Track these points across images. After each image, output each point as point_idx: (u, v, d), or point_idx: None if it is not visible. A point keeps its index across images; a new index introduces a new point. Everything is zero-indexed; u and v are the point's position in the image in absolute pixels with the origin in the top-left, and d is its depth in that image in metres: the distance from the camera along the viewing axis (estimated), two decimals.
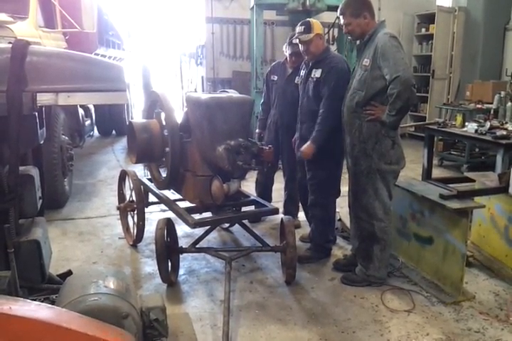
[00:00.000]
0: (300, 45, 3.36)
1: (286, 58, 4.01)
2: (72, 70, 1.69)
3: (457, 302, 2.93)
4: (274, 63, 4.35)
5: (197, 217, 3.13)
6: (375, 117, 2.89)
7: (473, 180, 3.66)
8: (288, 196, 4.23)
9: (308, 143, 3.27)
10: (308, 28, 3.29)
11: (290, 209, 4.22)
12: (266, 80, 4.31)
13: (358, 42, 3.09)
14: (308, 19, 3.46)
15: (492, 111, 5.87)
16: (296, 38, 3.33)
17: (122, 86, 1.91)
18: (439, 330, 2.65)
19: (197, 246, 3.25)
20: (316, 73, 3.30)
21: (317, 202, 3.49)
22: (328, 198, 3.51)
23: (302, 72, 3.52)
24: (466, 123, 4.55)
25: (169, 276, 3.10)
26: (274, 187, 4.47)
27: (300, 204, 4.03)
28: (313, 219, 3.60)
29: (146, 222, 3.76)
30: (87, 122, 6.12)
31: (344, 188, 3.48)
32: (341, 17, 2.99)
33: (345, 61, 3.43)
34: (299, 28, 3.34)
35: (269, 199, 4.26)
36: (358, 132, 2.98)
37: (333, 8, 5.61)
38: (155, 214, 4.49)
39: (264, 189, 4.36)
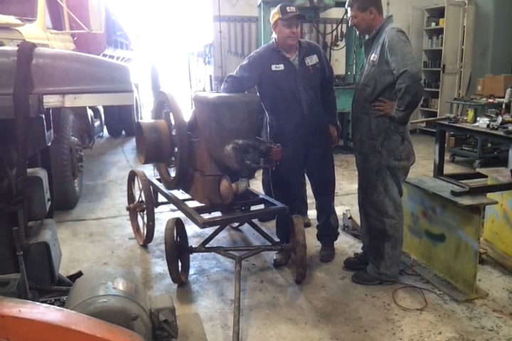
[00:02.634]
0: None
1: None
2: (78, 72, 1.68)
3: (470, 300, 2.90)
4: None
5: (206, 216, 3.13)
6: (384, 113, 2.87)
7: (485, 176, 3.62)
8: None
9: (331, 126, 3.41)
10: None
11: (299, 207, 4.19)
12: None
13: (366, 37, 3.07)
14: None
15: (504, 106, 5.78)
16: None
17: (128, 87, 1.90)
18: (452, 329, 2.62)
19: (207, 245, 3.25)
20: (314, 59, 3.23)
21: (331, 198, 3.59)
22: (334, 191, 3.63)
23: (278, 66, 3.19)
24: (478, 118, 4.49)
25: (179, 276, 3.10)
26: None
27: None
28: (331, 217, 3.62)
29: (155, 222, 3.77)
30: (97, 123, 6.14)
31: (354, 186, 3.46)
32: (349, 9, 2.97)
33: None
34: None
35: None
36: (367, 128, 2.96)
37: (340, 4, 5.56)
38: (165, 214, 4.51)
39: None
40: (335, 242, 3.68)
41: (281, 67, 3.18)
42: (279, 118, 3.30)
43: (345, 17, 3.40)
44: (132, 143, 8.39)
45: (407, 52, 2.72)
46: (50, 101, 1.61)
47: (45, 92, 1.59)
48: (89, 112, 5.69)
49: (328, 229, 3.63)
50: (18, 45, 1.58)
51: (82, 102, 1.70)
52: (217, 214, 3.37)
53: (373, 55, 2.88)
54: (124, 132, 9.51)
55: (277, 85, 3.21)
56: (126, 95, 1.87)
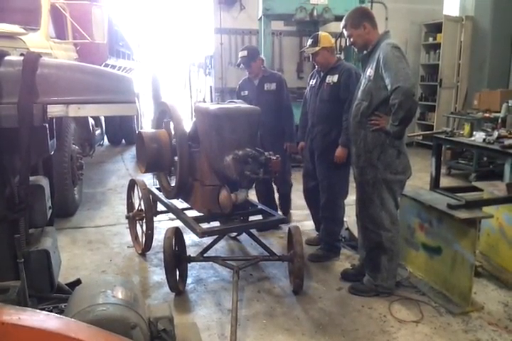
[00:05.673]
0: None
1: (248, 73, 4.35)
2: (83, 82, 1.71)
3: (466, 313, 2.91)
4: (240, 81, 4.57)
5: (205, 226, 3.15)
6: (380, 127, 2.91)
7: (481, 190, 3.65)
8: (281, 196, 4.54)
9: (340, 147, 3.49)
10: (315, 42, 3.57)
11: (283, 208, 4.50)
12: (237, 98, 4.37)
13: (364, 52, 3.11)
14: (318, 33, 3.69)
15: (500, 120, 5.83)
16: (304, 50, 3.72)
17: (132, 98, 1.93)
18: None
19: (205, 255, 3.26)
20: (333, 78, 3.53)
21: (328, 202, 3.67)
22: (338, 199, 3.70)
23: (313, 81, 3.76)
24: (474, 132, 4.53)
25: (177, 285, 3.11)
26: None
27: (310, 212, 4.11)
28: (324, 220, 3.75)
29: (154, 230, 3.78)
30: (97, 131, 6.17)
31: (352, 198, 3.48)
32: (344, 29, 3.04)
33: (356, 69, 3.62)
34: (308, 41, 3.63)
35: (275, 208, 4.29)
36: (363, 142, 2.99)
37: (340, 19, 5.61)
38: (163, 223, 4.52)
39: (268, 198, 4.40)
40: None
41: (313, 82, 3.77)
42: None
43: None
44: (132, 151, 8.42)
45: (401, 67, 2.75)
46: (54, 110, 1.63)
47: (50, 102, 1.62)
48: (91, 121, 5.72)
49: (322, 234, 3.84)
50: (22, 54, 1.61)
51: (85, 112, 1.72)
52: (215, 223, 3.39)
53: (369, 70, 2.93)
54: (124, 141, 9.55)
55: (309, 95, 3.82)
56: (129, 106, 1.90)
